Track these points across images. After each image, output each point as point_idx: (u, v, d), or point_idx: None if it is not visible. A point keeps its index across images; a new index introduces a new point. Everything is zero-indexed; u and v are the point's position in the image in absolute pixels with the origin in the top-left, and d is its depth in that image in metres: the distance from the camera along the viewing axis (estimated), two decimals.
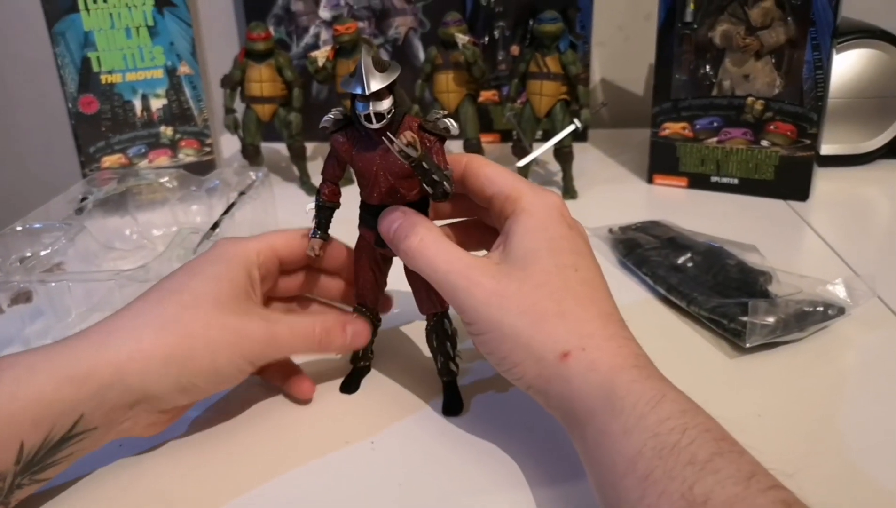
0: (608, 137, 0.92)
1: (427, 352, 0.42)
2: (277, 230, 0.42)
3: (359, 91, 0.34)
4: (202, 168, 0.76)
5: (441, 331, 0.41)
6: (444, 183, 0.35)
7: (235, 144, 0.80)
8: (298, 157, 0.77)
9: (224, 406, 0.42)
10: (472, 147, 0.76)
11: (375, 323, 0.43)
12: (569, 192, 0.73)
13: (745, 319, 0.44)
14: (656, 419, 0.29)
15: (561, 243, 0.36)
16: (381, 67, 0.34)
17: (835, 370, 0.44)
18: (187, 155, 0.77)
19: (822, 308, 0.46)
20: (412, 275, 0.40)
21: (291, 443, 0.39)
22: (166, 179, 0.65)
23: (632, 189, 0.76)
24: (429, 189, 0.36)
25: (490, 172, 0.38)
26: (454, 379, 0.42)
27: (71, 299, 0.49)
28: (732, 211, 0.69)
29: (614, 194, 0.75)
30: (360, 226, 0.40)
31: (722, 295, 0.48)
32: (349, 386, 0.43)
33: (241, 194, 0.59)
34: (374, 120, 0.35)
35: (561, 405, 0.33)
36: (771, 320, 0.44)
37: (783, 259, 0.54)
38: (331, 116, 0.38)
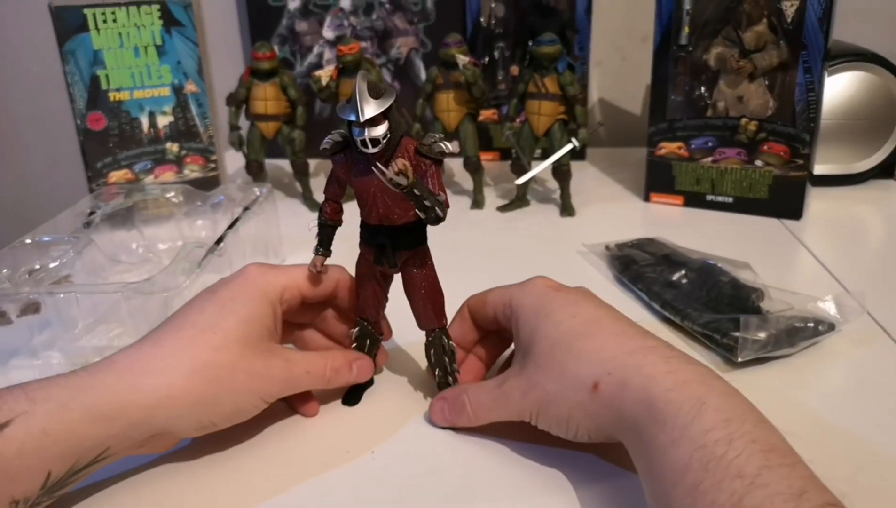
0: (606, 156, 0.94)
1: (428, 366, 0.43)
2: (302, 265, 0.42)
3: (353, 118, 0.35)
4: (207, 184, 0.77)
5: (439, 346, 0.42)
6: (437, 208, 0.36)
7: (240, 160, 0.82)
8: (301, 173, 0.79)
9: None
10: (472, 165, 0.77)
11: (377, 337, 0.44)
12: (567, 209, 0.75)
13: (737, 334, 0.45)
14: (700, 429, 0.29)
15: (551, 306, 0.38)
16: (376, 94, 0.35)
17: (825, 385, 0.45)
18: (192, 171, 0.79)
19: (812, 324, 0.47)
20: (411, 292, 0.41)
21: (294, 453, 0.40)
22: (172, 194, 0.66)
23: (628, 207, 0.77)
24: (421, 214, 0.37)
25: (481, 298, 0.43)
26: None
27: (78, 311, 0.50)
28: (727, 229, 0.70)
29: (611, 211, 0.76)
30: (361, 244, 0.41)
31: (715, 311, 0.49)
32: (351, 399, 0.44)
33: (246, 209, 0.60)
34: (369, 145, 0.35)
35: (615, 431, 0.34)
36: (762, 335, 0.45)
37: (776, 276, 0.55)
38: (330, 138, 0.39)
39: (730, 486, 0.27)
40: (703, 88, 0.72)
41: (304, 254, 0.43)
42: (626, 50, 1.01)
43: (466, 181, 0.81)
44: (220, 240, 0.54)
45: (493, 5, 0.89)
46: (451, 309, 0.43)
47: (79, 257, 0.54)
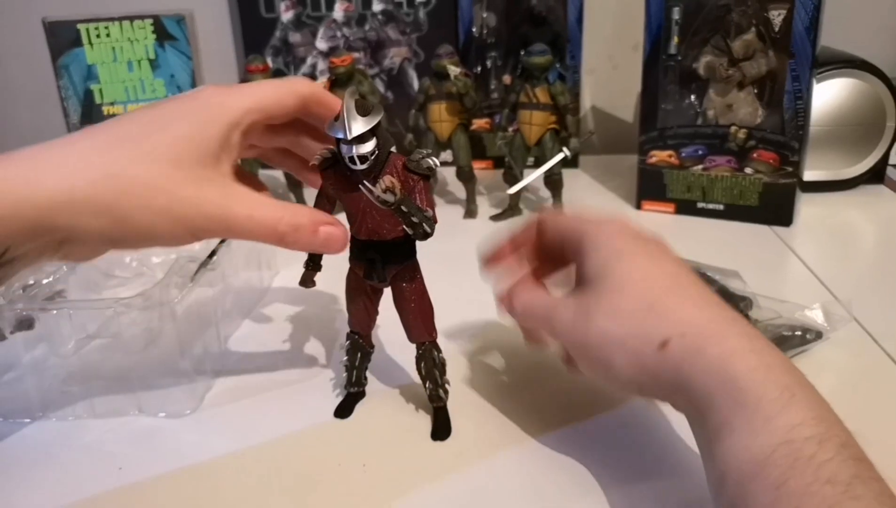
0: (598, 164, 0.94)
1: (419, 379, 0.43)
2: (264, 82, 0.39)
3: (341, 135, 0.35)
4: None
5: (429, 359, 0.42)
6: (424, 225, 0.37)
7: None
8: (295, 184, 0.79)
9: (216, 426, 0.43)
10: (465, 175, 0.77)
11: (368, 350, 0.44)
12: None
13: None
14: (787, 422, 0.27)
15: (631, 248, 0.36)
16: (363, 111, 0.36)
17: None
18: None
19: (800, 333, 0.47)
20: (401, 305, 0.41)
21: (285, 465, 0.40)
22: None
23: (621, 215, 0.77)
24: (409, 230, 0.37)
25: (556, 220, 0.41)
26: (443, 405, 0.43)
27: (71, 327, 0.51)
28: (718, 236, 0.71)
29: None
30: (351, 259, 0.41)
31: None
32: (343, 411, 0.44)
33: None
34: (357, 162, 0.36)
35: (678, 395, 0.32)
36: None
37: (766, 284, 0.55)
38: (320, 154, 0.39)
39: (820, 491, 0.25)
40: (692, 97, 0.72)
41: (298, 267, 0.43)
42: (617, 58, 1.01)
43: (460, 190, 0.81)
44: (212, 254, 0.55)
45: (484, 15, 0.89)
46: (444, 320, 0.43)
47: (72, 273, 0.54)
